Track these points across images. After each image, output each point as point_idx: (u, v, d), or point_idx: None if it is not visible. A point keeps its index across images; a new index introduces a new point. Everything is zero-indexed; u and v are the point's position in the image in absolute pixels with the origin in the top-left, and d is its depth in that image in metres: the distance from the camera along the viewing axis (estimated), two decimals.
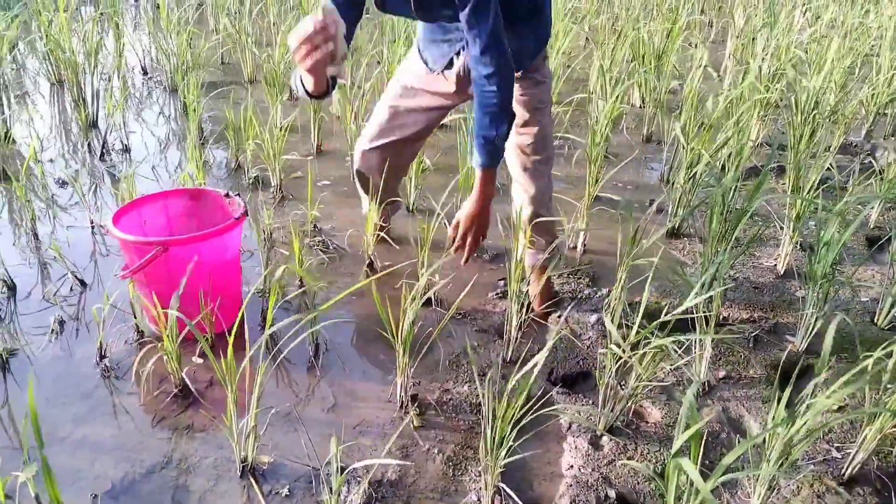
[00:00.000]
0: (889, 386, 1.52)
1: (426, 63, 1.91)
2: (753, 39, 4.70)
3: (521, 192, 1.97)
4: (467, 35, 1.57)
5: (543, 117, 1.91)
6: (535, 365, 1.34)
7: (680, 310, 1.52)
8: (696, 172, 2.43)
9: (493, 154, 1.66)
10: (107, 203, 2.62)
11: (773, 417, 1.34)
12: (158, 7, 4.06)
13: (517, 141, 1.91)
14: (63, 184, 2.74)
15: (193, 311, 1.75)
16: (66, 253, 2.21)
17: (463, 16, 1.54)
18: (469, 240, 1.79)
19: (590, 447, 1.58)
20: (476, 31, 1.55)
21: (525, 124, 1.89)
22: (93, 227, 2.43)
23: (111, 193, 2.67)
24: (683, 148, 2.56)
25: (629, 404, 1.65)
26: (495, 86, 1.59)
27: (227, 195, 2.00)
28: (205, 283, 1.76)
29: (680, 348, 1.83)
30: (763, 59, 3.54)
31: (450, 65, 1.84)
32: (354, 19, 1.72)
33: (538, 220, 1.93)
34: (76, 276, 2.12)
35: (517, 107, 1.80)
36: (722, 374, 1.85)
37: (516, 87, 1.81)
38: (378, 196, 2.16)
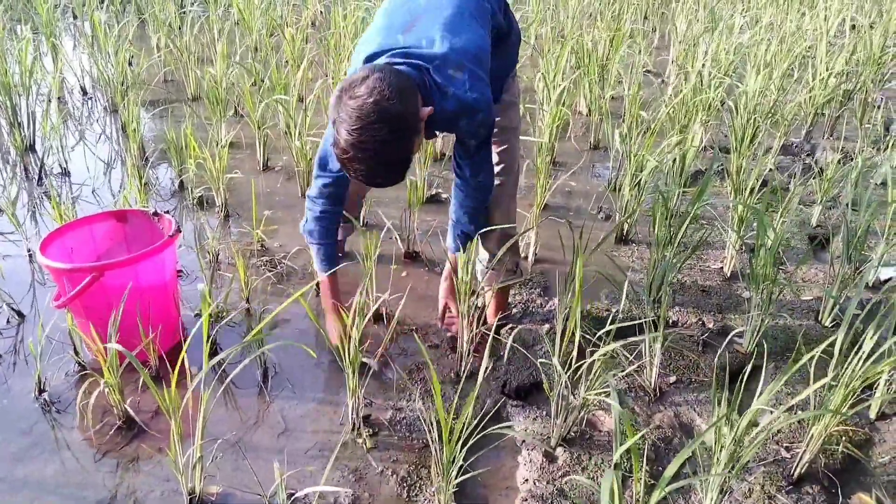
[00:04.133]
0: (832, 383, 1.55)
1: None
2: (695, 44, 4.81)
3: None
4: (463, 151, 1.64)
5: (513, 139, 1.89)
6: (485, 379, 1.33)
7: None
8: (640, 180, 2.46)
9: (466, 243, 1.80)
10: (46, 229, 2.53)
11: (717, 420, 1.35)
12: (95, 25, 3.95)
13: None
14: None
15: (133, 337, 1.69)
16: (3, 284, 2.13)
17: (466, 149, 1.64)
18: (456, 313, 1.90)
19: (544, 460, 1.58)
20: (476, 159, 1.66)
21: (495, 146, 1.85)
22: (30, 256, 2.35)
23: (52, 219, 2.58)
24: (626, 156, 2.59)
25: (581, 414, 1.66)
26: (481, 192, 1.72)
27: (155, 214, 1.95)
28: (143, 307, 1.71)
29: (631, 354, 1.85)
30: (704, 64, 3.61)
31: None
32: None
33: (508, 241, 1.89)
34: (12, 308, 2.04)
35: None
36: (672, 378, 1.87)
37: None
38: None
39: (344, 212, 2.13)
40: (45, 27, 4.14)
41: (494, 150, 1.85)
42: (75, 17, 5.56)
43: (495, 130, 1.78)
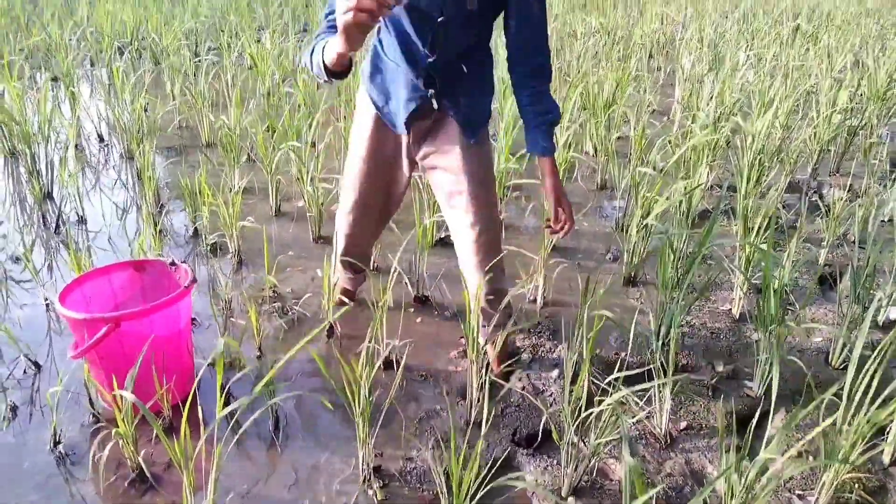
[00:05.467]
0: (845, 427, 1.55)
1: (394, 126, 1.84)
2: (700, 83, 4.87)
3: (476, 271, 1.88)
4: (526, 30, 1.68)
5: (493, 184, 1.92)
6: (495, 427, 1.34)
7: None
8: (648, 222, 2.49)
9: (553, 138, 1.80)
10: (62, 277, 2.58)
11: (725, 470, 1.36)
12: (113, 74, 4.06)
13: (468, 219, 1.84)
14: (16, 260, 2.70)
15: (147, 387, 1.72)
16: (20, 333, 2.17)
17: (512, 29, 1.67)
18: (567, 215, 1.84)
19: None
20: (533, 30, 1.69)
21: (476, 196, 1.82)
22: (47, 305, 2.39)
23: (68, 268, 2.63)
24: (634, 198, 2.62)
25: (592, 463, 1.66)
26: (550, 68, 1.75)
27: (172, 263, 1.99)
28: (157, 356, 1.74)
29: (641, 399, 1.85)
30: (708, 102, 3.66)
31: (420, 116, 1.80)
32: None
33: (501, 296, 1.89)
34: (29, 359, 2.07)
35: (467, 178, 1.80)
36: (683, 424, 1.87)
37: (469, 157, 1.80)
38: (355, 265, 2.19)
39: (355, 261, 2.18)
40: (65, 77, 4.25)
41: (483, 203, 1.84)
42: (93, 65, 5.71)
43: (478, 187, 1.81)
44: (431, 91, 1.73)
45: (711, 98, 4.04)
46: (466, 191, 1.80)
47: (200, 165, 3.43)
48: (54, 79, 5.03)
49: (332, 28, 1.53)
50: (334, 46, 1.38)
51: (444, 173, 1.84)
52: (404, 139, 1.85)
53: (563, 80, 4.29)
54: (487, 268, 1.86)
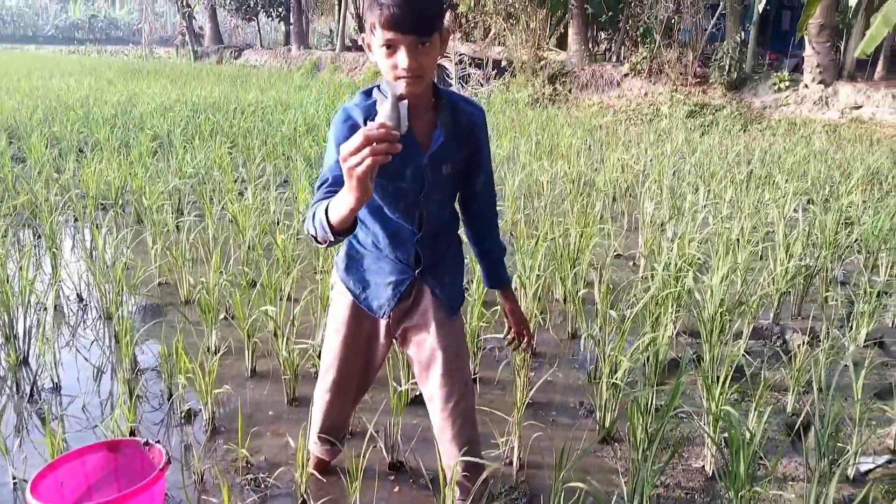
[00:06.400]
0: None
1: (372, 311, 1.93)
2: (662, 229, 5.11)
3: (451, 445, 1.90)
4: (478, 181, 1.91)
5: (467, 355, 1.99)
6: None
7: None
8: (616, 378, 2.55)
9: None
10: (36, 451, 2.53)
11: None
12: (94, 236, 4.19)
13: (443, 392, 1.88)
14: None
15: None
16: None
17: (481, 180, 1.90)
18: (528, 333, 2.14)
19: None
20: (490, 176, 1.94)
21: (451, 371, 1.88)
22: (14, 484, 2.35)
23: (43, 444, 2.60)
24: (601, 357, 2.70)
25: None
26: (495, 212, 2.03)
27: (146, 443, 2.00)
28: None
29: None
30: (669, 252, 3.84)
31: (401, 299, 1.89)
32: None
33: (478, 472, 1.89)
34: None
35: (443, 354, 1.87)
36: None
37: (445, 333, 1.89)
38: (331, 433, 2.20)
39: (330, 436, 2.19)
40: (48, 239, 4.36)
41: (449, 381, 1.89)
42: (76, 220, 5.86)
43: (453, 361, 1.89)
44: (418, 270, 1.85)
45: (673, 245, 4.24)
46: (441, 365, 1.88)
47: (178, 327, 3.48)
48: (37, 236, 5.14)
49: (330, 195, 1.54)
50: (345, 203, 1.35)
51: (419, 348, 1.92)
52: (383, 321, 1.94)
53: (530, 233, 4.49)
54: (462, 441, 1.89)
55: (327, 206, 1.44)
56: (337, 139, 1.65)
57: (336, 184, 1.56)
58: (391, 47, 1.54)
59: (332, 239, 1.49)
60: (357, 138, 1.23)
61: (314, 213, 1.51)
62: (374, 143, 1.23)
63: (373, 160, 1.23)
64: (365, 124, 1.58)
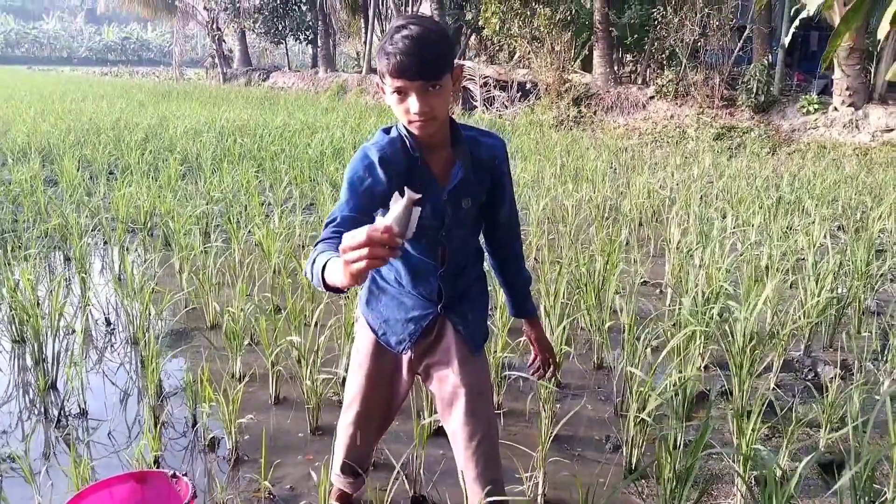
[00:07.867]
0: None
1: (393, 347, 1.92)
2: (690, 255, 5.05)
3: (475, 484, 1.87)
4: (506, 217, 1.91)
5: (491, 392, 1.97)
6: None
7: None
8: (644, 415, 2.51)
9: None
10: (62, 478, 2.55)
11: None
12: (124, 262, 4.24)
13: (466, 430, 1.86)
14: (11, 460, 2.69)
15: None
16: None
17: (504, 211, 1.90)
18: (553, 364, 2.14)
19: None
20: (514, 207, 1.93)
21: (474, 409, 1.86)
22: None
23: (66, 469, 2.62)
24: (630, 392, 2.66)
25: None
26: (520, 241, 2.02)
27: (173, 476, 2.00)
28: None
29: None
30: (696, 283, 3.78)
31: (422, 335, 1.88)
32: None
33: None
34: None
35: (466, 390, 1.85)
36: None
37: (469, 370, 1.88)
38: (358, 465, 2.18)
39: (353, 464, 2.18)
40: (77, 263, 4.43)
41: (473, 418, 1.86)
42: (105, 243, 5.96)
43: (476, 398, 1.86)
44: (441, 305, 1.84)
45: (700, 272, 4.18)
46: (464, 404, 1.86)
47: (203, 354, 3.50)
48: (67, 259, 5.23)
49: (335, 239, 1.51)
50: (339, 277, 1.31)
51: (442, 384, 1.91)
52: (405, 357, 1.93)
53: (554, 259, 4.46)
54: (485, 481, 1.86)
55: (325, 264, 1.38)
56: (351, 178, 1.65)
57: (343, 224, 1.54)
58: (402, 93, 1.56)
59: (326, 292, 1.44)
60: (360, 235, 1.16)
61: (314, 261, 1.46)
62: (376, 246, 1.16)
63: (368, 263, 1.17)
64: (381, 163, 1.60)
